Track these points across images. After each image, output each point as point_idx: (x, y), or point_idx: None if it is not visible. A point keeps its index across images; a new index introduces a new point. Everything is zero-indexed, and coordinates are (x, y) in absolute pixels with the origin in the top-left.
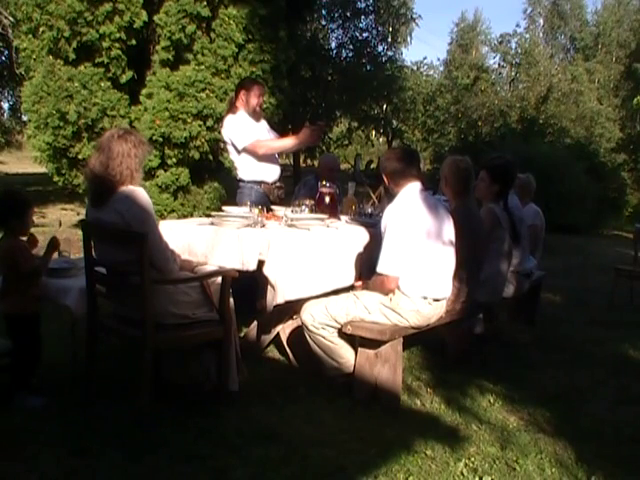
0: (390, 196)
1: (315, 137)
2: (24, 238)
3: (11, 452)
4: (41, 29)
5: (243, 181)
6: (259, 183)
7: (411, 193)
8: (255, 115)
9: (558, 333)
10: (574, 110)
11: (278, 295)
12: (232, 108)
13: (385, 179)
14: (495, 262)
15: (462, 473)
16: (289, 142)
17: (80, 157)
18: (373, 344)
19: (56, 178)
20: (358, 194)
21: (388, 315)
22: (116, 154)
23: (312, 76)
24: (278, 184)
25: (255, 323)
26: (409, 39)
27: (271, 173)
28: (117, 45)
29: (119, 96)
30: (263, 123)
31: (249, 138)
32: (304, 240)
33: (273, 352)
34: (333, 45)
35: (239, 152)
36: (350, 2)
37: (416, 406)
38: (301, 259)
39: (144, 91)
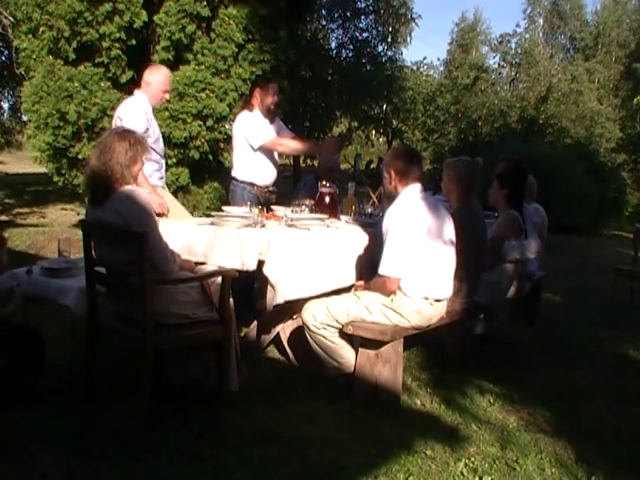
0: (390, 196)
1: (337, 149)
2: None
3: (11, 452)
4: (41, 29)
5: (236, 180)
6: (251, 185)
7: (412, 194)
8: (270, 114)
9: (558, 333)
10: (574, 110)
11: (278, 295)
12: (247, 106)
13: (387, 175)
14: (503, 266)
15: (462, 473)
16: (308, 146)
17: (80, 157)
18: (374, 344)
19: (56, 178)
20: (358, 194)
21: (389, 315)
22: (109, 150)
23: (312, 76)
24: (271, 188)
25: (255, 323)
26: (409, 39)
27: (265, 176)
28: (117, 45)
29: (119, 96)
30: (277, 122)
31: (267, 135)
32: (304, 240)
33: (273, 352)
34: (333, 45)
35: (254, 149)
36: (350, 2)
37: (416, 406)
38: (301, 259)
39: None
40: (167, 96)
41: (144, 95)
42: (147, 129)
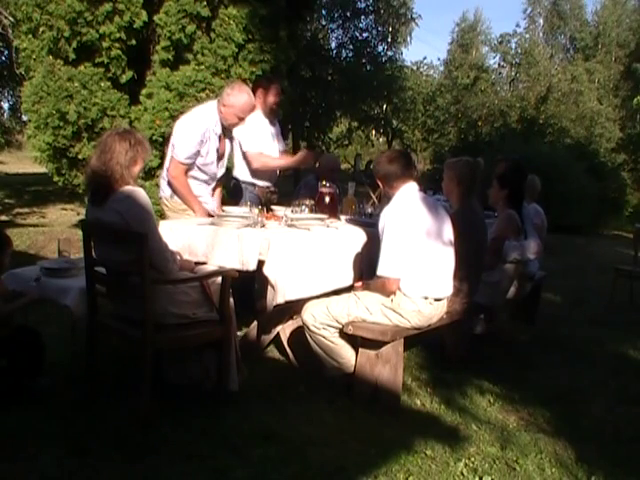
0: (389, 197)
1: (310, 160)
2: None
3: (11, 452)
4: (41, 29)
5: (237, 180)
6: (253, 185)
7: (408, 194)
8: (271, 114)
9: (558, 333)
10: (574, 110)
11: (278, 295)
12: None
13: (380, 183)
14: (503, 266)
15: (462, 473)
16: (285, 162)
17: (80, 157)
18: (374, 345)
19: (56, 178)
20: (358, 194)
21: (389, 316)
22: (109, 150)
23: (312, 76)
24: (272, 189)
25: (255, 323)
26: (409, 39)
27: (266, 177)
28: (117, 45)
29: (119, 96)
30: (276, 128)
31: (255, 146)
32: (304, 240)
33: (273, 352)
34: (333, 45)
35: (242, 152)
36: (350, 2)
37: (416, 406)
38: (301, 259)
39: (144, 91)
40: (242, 124)
41: (216, 115)
42: (195, 153)
